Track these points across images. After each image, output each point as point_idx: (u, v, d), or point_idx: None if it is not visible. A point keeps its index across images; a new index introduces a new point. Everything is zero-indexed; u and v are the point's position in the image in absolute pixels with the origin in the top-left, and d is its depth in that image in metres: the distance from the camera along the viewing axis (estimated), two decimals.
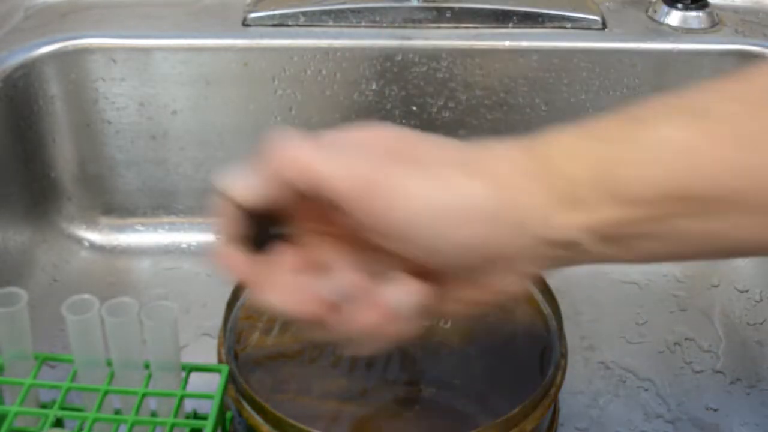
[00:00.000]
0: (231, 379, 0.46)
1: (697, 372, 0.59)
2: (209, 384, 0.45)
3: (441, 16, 0.68)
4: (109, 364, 0.44)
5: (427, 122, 0.68)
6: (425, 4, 0.67)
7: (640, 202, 0.34)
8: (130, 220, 0.72)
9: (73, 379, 0.44)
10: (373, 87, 0.67)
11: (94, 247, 0.71)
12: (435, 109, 0.68)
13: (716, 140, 0.34)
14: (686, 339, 0.62)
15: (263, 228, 0.37)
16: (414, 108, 0.68)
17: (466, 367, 0.49)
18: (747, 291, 0.66)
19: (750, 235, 0.34)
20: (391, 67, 0.67)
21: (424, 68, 0.67)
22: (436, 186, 0.34)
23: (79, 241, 0.71)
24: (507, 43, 0.66)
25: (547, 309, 0.52)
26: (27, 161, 0.67)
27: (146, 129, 0.69)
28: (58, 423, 0.47)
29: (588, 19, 0.68)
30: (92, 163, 0.70)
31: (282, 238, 0.38)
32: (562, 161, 0.35)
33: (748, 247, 0.35)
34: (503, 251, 0.35)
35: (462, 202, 0.34)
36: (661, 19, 0.69)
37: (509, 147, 0.36)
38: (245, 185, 0.38)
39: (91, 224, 0.71)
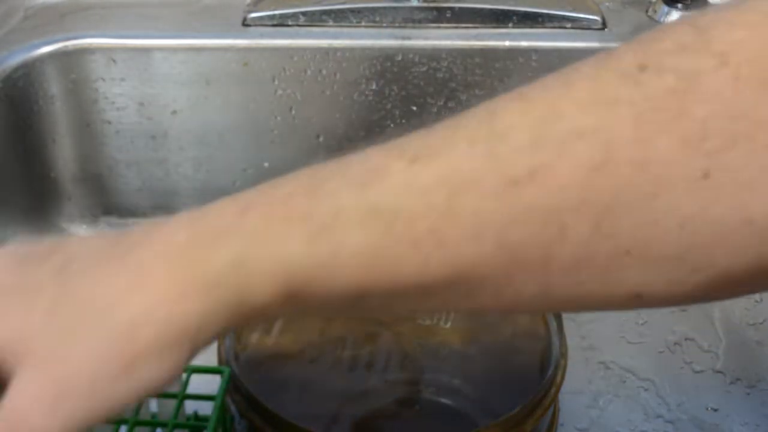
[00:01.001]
0: (231, 379, 0.46)
1: (697, 372, 0.59)
2: (210, 384, 0.45)
3: (441, 16, 0.68)
4: None
5: (427, 122, 0.68)
6: (425, 4, 0.67)
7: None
8: (130, 220, 0.72)
9: None
10: (373, 87, 0.67)
11: None
12: (435, 109, 0.68)
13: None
14: (686, 339, 0.62)
15: None
16: (414, 108, 0.68)
17: (466, 367, 0.49)
18: None
19: None
20: (391, 67, 0.67)
21: (424, 68, 0.67)
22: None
23: None
24: (507, 43, 0.66)
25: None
26: (27, 161, 0.67)
27: (146, 129, 0.69)
28: None
29: (588, 19, 0.68)
30: (92, 163, 0.70)
31: None
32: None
33: None
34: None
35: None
36: (661, 19, 0.69)
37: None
38: None
39: (91, 224, 0.71)
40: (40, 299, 0.28)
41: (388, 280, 0.28)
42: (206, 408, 0.45)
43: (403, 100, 0.68)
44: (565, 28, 0.68)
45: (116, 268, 0.28)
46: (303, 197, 0.29)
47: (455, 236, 0.28)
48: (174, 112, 0.68)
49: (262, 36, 0.67)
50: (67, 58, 0.66)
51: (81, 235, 0.71)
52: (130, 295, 0.28)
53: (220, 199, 0.30)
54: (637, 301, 0.29)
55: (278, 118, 0.68)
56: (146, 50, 0.66)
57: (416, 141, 0.30)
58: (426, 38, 0.67)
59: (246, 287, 0.28)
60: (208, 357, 0.50)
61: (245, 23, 0.68)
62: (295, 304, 0.29)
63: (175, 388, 0.44)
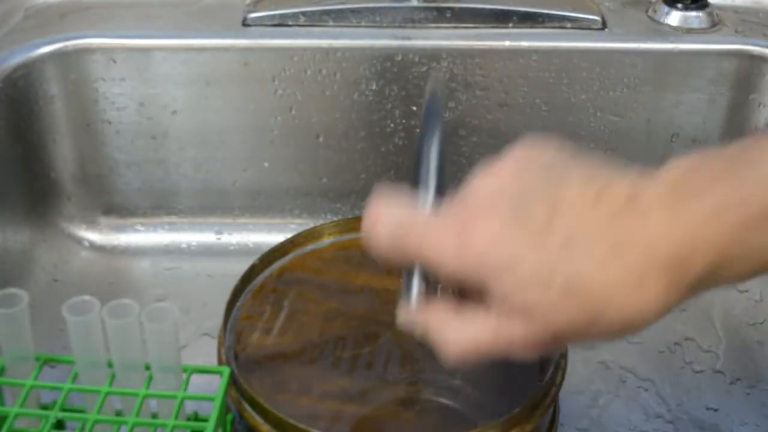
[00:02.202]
0: (232, 380, 0.46)
1: (697, 372, 0.59)
2: (210, 384, 0.45)
3: (441, 16, 0.68)
4: (110, 365, 0.44)
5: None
6: (425, 4, 0.67)
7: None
8: (130, 220, 0.72)
9: (74, 380, 0.44)
10: (373, 87, 0.67)
11: (94, 247, 0.71)
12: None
13: None
14: (686, 339, 0.62)
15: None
16: (414, 108, 0.68)
17: (466, 367, 0.49)
18: (747, 291, 0.66)
19: None
20: (391, 67, 0.67)
21: (424, 68, 0.67)
22: (637, 296, 0.34)
23: (79, 241, 0.71)
24: (507, 43, 0.66)
25: None
26: (27, 161, 0.67)
27: (146, 129, 0.69)
28: (59, 424, 0.47)
29: (588, 19, 0.68)
30: (92, 163, 0.70)
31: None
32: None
33: None
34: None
35: (660, 308, 0.34)
36: (661, 19, 0.69)
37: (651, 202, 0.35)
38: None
39: (91, 224, 0.71)
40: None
41: None
42: (206, 408, 0.45)
43: (403, 100, 0.68)
44: (565, 28, 0.68)
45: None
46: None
47: None
48: (174, 112, 0.68)
49: (262, 36, 0.67)
50: (67, 58, 0.66)
51: (81, 235, 0.71)
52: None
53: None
54: None
55: (278, 118, 0.68)
56: (146, 50, 0.66)
57: None
58: (426, 38, 0.67)
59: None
60: (208, 357, 0.51)
61: (245, 23, 0.68)
62: None
63: (175, 389, 0.44)
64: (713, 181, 0.34)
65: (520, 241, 0.35)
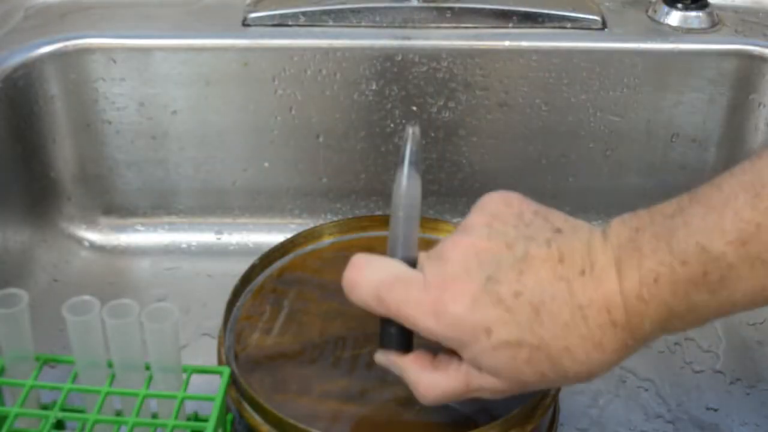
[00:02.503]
0: (232, 380, 0.46)
1: (697, 372, 0.59)
2: (210, 384, 0.45)
3: (441, 16, 0.68)
4: (110, 365, 0.44)
5: (427, 122, 0.68)
6: (425, 4, 0.67)
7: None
8: (130, 220, 0.72)
9: (74, 380, 0.44)
10: (373, 87, 0.67)
11: (94, 247, 0.71)
12: (435, 109, 0.68)
13: None
14: (686, 339, 0.62)
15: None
16: (414, 108, 0.68)
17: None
18: None
19: None
20: (391, 67, 0.67)
21: (424, 68, 0.67)
22: (598, 354, 0.38)
23: (79, 241, 0.71)
24: (507, 43, 0.66)
25: None
26: (27, 161, 0.67)
27: (146, 129, 0.69)
28: (59, 424, 0.47)
29: (588, 19, 0.68)
30: (92, 163, 0.70)
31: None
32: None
33: None
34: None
35: (616, 360, 0.39)
36: (661, 19, 0.69)
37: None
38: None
39: (91, 224, 0.71)
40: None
41: None
42: (206, 408, 0.45)
43: (403, 100, 0.68)
44: (565, 28, 0.68)
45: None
46: None
47: None
48: (174, 112, 0.68)
49: (262, 36, 0.67)
50: (67, 58, 0.66)
51: (81, 235, 0.71)
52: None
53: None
54: None
55: (278, 118, 0.68)
56: (146, 50, 0.66)
57: None
58: (426, 38, 0.67)
59: None
60: (208, 357, 0.51)
61: (245, 23, 0.68)
62: None
63: (175, 388, 0.44)
64: (655, 243, 0.37)
65: (494, 308, 0.38)
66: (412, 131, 0.45)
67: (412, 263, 0.43)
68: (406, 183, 0.44)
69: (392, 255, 0.44)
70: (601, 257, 0.38)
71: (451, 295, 0.39)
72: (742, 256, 0.35)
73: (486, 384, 0.40)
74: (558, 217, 0.41)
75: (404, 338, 0.44)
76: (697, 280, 0.36)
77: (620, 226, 0.39)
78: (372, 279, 0.42)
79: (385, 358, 0.44)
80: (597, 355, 0.38)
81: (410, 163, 0.44)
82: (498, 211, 0.41)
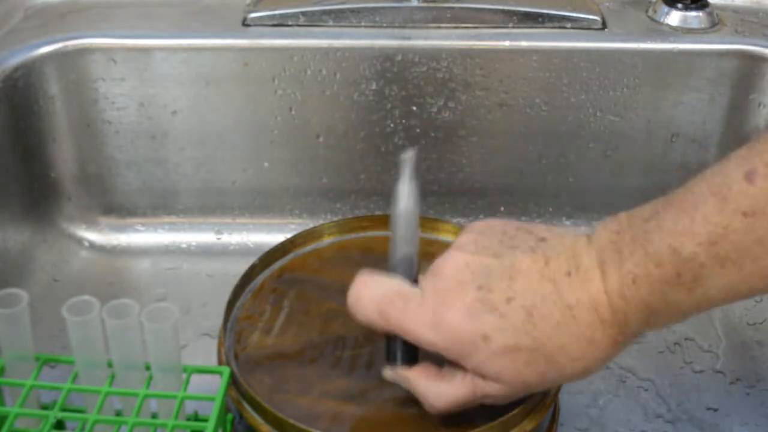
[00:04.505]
0: (232, 380, 0.46)
1: (697, 372, 0.59)
2: (210, 384, 0.45)
3: (441, 16, 0.68)
4: (110, 365, 0.44)
5: (427, 122, 0.68)
6: (425, 4, 0.67)
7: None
8: (130, 220, 0.72)
9: (74, 380, 0.44)
10: (373, 87, 0.67)
11: (94, 247, 0.71)
12: (435, 109, 0.68)
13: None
14: (686, 339, 0.62)
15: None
16: (414, 108, 0.68)
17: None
18: None
19: None
20: (391, 67, 0.67)
21: (424, 68, 0.67)
22: (591, 350, 0.40)
23: (79, 241, 0.71)
24: (507, 43, 0.66)
25: None
26: (27, 161, 0.67)
27: (146, 129, 0.69)
28: (59, 424, 0.47)
29: (588, 19, 0.68)
30: (92, 163, 0.70)
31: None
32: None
33: None
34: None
35: (609, 355, 0.41)
36: (661, 19, 0.69)
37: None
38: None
39: (91, 224, 0.71)
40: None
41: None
42: (206, 408, 0.45)
43: (403, 100, 0.68)
44: (565, 28, 0.68)
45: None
46: None
47: None
48: (174, 112, 0.68)
49: (262, 36, 0.67)
50: (67, 58, 0.66)
51: (81, 235, 0.71)
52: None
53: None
54: None
55: (278, 118, 0.68)
56: (146, 50, 0.66)
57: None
58: (426, 38, 0.67)
59: None
60: (208, 357, 0.51)
61: (245, 23, 0.68)
62: None
63: (175, 388, 0.44)
64: (633, 246, 0.39)
65: (489, 316, 0.40)
66: (411, 154, 0.46)
67: (414, 281, 0.45)
68: (406, 203, 0.46)
69: (393, 273, 0.46)
70: (586, 258, 0.40)
71: (447, 307, 0.41)
72: (713, 257, 0.37)
73: (491, 390, 0.42)
74: (541, 229, 0.43)
75: (409, 352, 0.46)
76: (671, 281, 0.38)
77: (602, 229, 0.41)
78: (374, 294, 0.44)
79: (392, 373, 0.46)
80: (591, 350, 0.40)
81: (411, 179, 0.46)
82: (484, 229, 0.44)
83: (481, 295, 0.41)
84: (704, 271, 0.37)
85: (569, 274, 0.40)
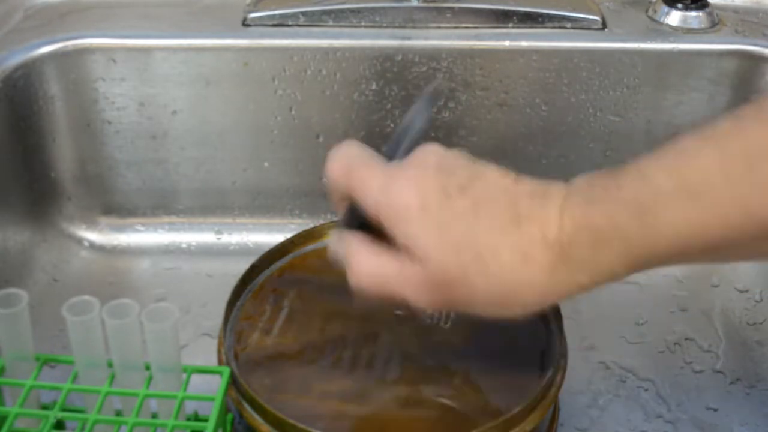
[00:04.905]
0: (232, 380, 0.46)
1: (697, 372, 0.59)
2: (210, 384, 0.45)
3: (441, 16, 0.68)
4: (110, 365, 0.44)
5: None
6: (425, 4, 0.67)
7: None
8: (130, 220, 0.72)
9: (74, 380, 0.44)
10: (373, 87, 0.67)
11: (94, 247, 0.71)
12: (435, 109, 0.68)
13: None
14: (686, 339, 0.62)
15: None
16: None
17: (466, 367, 0.49)
18: (747, 291, 0.66)
19: None
20: (391, 67, 0.67)
21: (424, 68, 0.67)
22: (522, 265, 0.39)
23: (79, 241, 0.71)
24: (507, 43, 0.66)
25: (547, 309, 0.52)
26: (27, 161, 0.67)
27: (146, 129, 0.69)
28: (59, 424, 0.47)
29: (588, 19, 0.68)
30: (92, 163, 0.70)
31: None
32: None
33: None
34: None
35: (544, 284, 0.39)
36: (661, 19, 0.69)
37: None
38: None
39: (91, 224, 0.71)
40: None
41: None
42: (206, 408, 0.45)
43: (403, 100, 0.68)
44: (565, 28, 0.68)
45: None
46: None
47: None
48: (174, 112, 0.68)
49: (262, 36, 0.67)
50: (67, 58, 0.66)
51: (81, 235, 0.71)
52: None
53: None
54: None
55: (278, 118, 0.68)
56: (146, 50, 0.66)
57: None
58: (426, 38, 0.67)
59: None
60: (208, 357, 0.51)
61: (245, 23, 0.68)
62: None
63: (175, 388, 0.44)
64: (605, 181, 0.39)
65: (435, 194, 0.40)
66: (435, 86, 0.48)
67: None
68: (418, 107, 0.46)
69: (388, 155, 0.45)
70: (552, 189, 0.40)
71: (399, 175, 0.41)
72: (677, 184, 0.36)
73: (414, 275, 0.41)
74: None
75: (361, 223, 0.44)
76: (628, 202, 0.37)
77: (577, 180, 0.40)
78: (342, 162, 0.45)
79: (337, 233, 0.45)
80: (522, 267, 0.39)
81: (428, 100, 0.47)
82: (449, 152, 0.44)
83: (437, 176, 0.41)
84: (660, 199, 0.37)
85: (533, 195, 0.40)
